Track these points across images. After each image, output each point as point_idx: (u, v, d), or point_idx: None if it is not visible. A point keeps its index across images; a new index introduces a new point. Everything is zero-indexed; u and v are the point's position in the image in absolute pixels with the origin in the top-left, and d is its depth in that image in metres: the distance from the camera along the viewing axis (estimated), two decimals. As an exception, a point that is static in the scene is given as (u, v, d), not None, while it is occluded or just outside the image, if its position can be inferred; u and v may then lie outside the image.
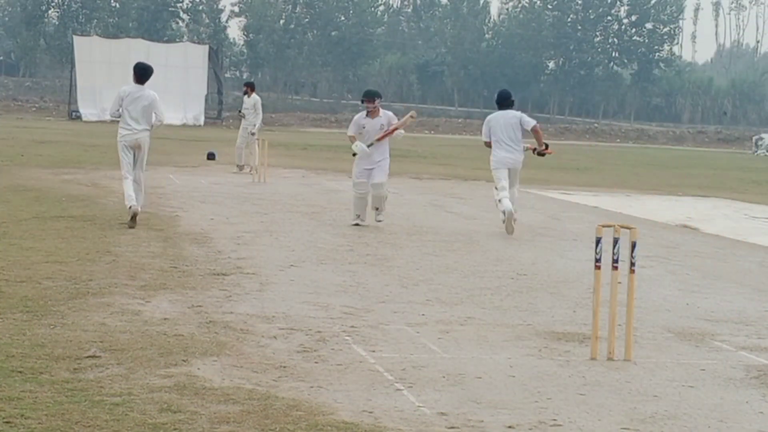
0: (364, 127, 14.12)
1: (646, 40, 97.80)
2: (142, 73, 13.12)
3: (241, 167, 23.05)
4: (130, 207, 12.61)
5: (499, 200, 14.01)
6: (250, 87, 23.80)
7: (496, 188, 14.24)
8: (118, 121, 13.22)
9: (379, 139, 14.02)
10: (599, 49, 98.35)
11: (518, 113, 14.25)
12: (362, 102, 14.27)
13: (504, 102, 14.38)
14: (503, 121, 14.18)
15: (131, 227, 12.39)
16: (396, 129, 14.27)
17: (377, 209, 14.20)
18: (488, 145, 14.33)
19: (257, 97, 23.45)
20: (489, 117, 14.49)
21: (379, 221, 14.16)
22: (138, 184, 12.94)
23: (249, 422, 5.14)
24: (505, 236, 13.78)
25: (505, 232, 13.84)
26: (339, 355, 6.67)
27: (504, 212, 13.80)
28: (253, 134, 22.90)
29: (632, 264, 6.96)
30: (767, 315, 9.02)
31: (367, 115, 14.16)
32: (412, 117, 14.26)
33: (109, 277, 8.97)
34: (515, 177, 14.30)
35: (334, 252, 11.40)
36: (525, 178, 26.43)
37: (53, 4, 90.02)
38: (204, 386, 5.74)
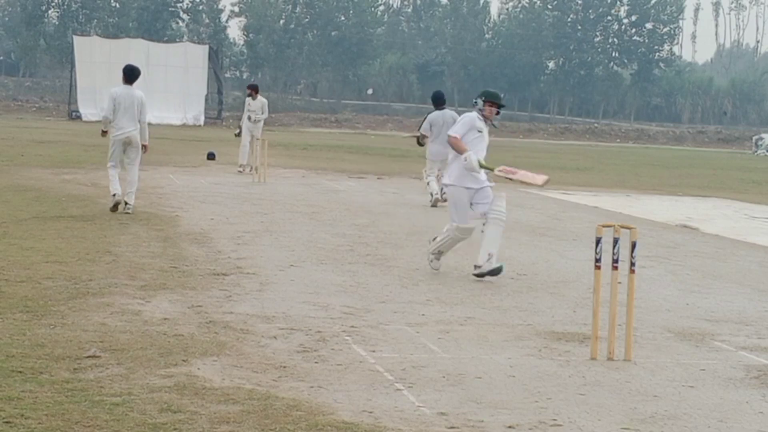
0: (480, 132, 10.36)
1: (646, 40, 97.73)
2: (131, 74, 14.02)
3: (244, 167, 22.74)
4: (114, 195, 13.71)
5: (428, 183, 17.36)
6: (254, 89, 23.48)
7: (426, 173, 17.53)
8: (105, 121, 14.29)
9: (502, 171, 10.24)
10: (599, 49, 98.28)
11: (454, 113, 16.62)
12: (482, 102, 10.43)
13: (441, 102, 17.47)
14: (442, 119, 16.91)
15: (113, 212, 13.60)
16: (526, 181, 10.58)
17: (490, 255, 10.02)
18: (424, 137, 17.57)
19: (264, 99, 23.27)
20: (431, 115, 17.46)
21: (482, 274, 10.02)
22: (132, 181, 13.91)
23: (249, 422, 5.14)
24: (505, 236, 13.74)
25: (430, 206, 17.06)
26: (339, 355, 6.67)
27: (432, 194, 17.19)
28: (251, 120, 22.77)
29: (632, 264, 6.96)
30: (767, 315, 9.02)
31: (484, 120, 10.48)
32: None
33: (109, 277, 8.97)
34: (445, 167, 16.82)
35: (334, 252, 11.39)
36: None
37: (53, 4, 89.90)
38: (204, 386, 5.74)
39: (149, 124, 14.66)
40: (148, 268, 9.56)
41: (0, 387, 5.50)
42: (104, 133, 14.34)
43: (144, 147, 14.08)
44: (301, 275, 9.72)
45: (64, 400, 5.34)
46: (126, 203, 13.76)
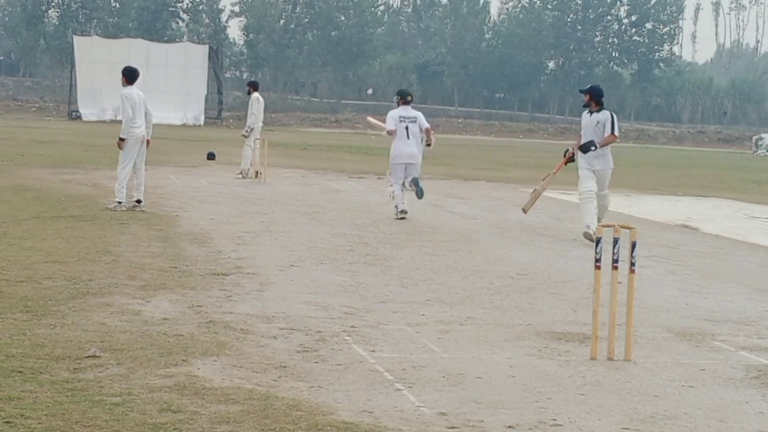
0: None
1: (646, 40, 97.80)
2: (132, 76, 14.68)
3: (246, 172, 21.53)
4: (120, 203, 14.28)
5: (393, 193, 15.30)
6: (252, 86, 22.25)
7: (391, 183, 15.39)
8: (119, 121, 14.99)
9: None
10: (599, 49, 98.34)
11: (419, 113, 15.40)
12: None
13: (405, 97, 15.56)
14: (405, 115, 15.28)
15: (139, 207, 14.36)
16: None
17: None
18: (390, 133, 15.29)
19: (255, 96, 21.65)
20: (392, 111, 15.50)
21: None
22: (140, 173, 14.59)
23: (249, 422, 5.14)
24: (505, 236, 13.79)
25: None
26: (339, 355, 6.66)
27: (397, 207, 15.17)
28: (245, 136, 21.61)
29: (632, 264, 6.96)
30: (767, 315, 9.02)
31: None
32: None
33: (109, 277, 8.97)
34: (413, 170, 15.32)
35: (334, 252, 11.39)
36: (525, 178, 26.49)
37: (53, 4, 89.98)
38: (204, 386, 5.74)
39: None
40: (148, 268, 9.56)
41: (0, 387, 5.50)
42: (122, 141, 14.45)
43: (147, 142, 14.73)
44: (301, 275, 9.71)
45: (64, 400, 5.34)
46: (139, 201, 14.46)
